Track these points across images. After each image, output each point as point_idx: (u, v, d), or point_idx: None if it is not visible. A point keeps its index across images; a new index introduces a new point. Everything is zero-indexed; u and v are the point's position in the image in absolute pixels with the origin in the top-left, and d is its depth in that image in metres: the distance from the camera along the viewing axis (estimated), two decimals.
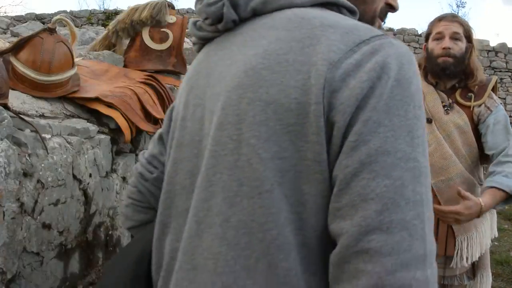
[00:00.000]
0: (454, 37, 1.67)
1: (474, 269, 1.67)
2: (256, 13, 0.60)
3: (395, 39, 0.53)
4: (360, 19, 0.59)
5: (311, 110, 0.50)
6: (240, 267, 0.52)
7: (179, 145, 0.64)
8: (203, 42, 0.68)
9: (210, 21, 0.63)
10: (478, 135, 1.65)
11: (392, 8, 0.69)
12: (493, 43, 9.95)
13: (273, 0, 0.58)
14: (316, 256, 0.51)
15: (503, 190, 1.47)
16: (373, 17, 0.67)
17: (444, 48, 1.65)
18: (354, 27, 0.54)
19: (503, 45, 9.89)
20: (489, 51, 9.85)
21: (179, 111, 0.67)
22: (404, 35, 10.07)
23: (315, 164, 0.50)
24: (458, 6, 18.38)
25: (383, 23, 0.71)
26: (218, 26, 0.62)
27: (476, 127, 1.65)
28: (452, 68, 1.65)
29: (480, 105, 1.65)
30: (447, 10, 17.44)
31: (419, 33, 10.03)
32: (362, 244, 0.46)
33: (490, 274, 1.71)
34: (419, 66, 1.85)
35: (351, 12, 0.60)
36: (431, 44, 1.72)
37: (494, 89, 1.74)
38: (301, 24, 0.55)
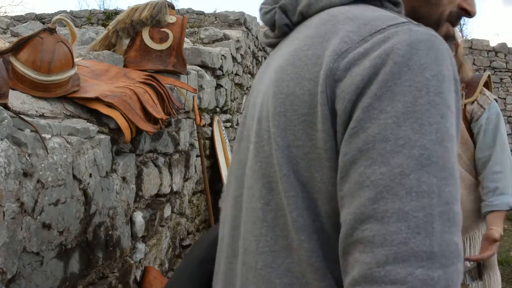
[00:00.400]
0: None
1: (480, 269, 1.64)
2: (304, 17, 0.62)
3: (421, 27, 0.50)
4: (423, 22, 0.57)
5: (318, 99, 0.51)
6: (280, 247, 0.55)
7: (238, 140, 0.70)
8: (272, 49, 0.73)
9: (269, 28, 0.69)
10: (473, 133, 1.63)
11: (468, 13, 0.66)
12: (493, 43, 9.95)
13: (315, 2, 0.60)
14: (336, 244, 0.51)
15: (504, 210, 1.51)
16: (439, 21, 0.65)
17: None
18: (376, 17, 0.53)
19: (503, 45, 9.89)
20: (489, 51, 9.84)
21: (244, 111, 0.74)
22: None
23: (323, 152, 0.51)
24: None
25: (456, 28, 0.68)
26: (276, 32, 0.67)
27: (470, 125, 1.63)
28: None
29: (472, 103, 1.63)
30: None
31: None
32: (357, 233, 0.45)
33: (499, 273, 1.68)
34: None
35: (395, 4, 0.59)
36: None
37: (489, 86, 1.71)
38: (328, 21, 0.56)
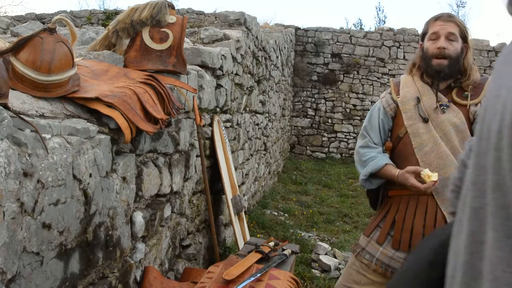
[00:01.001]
0: (450, 38, 1.67)
1: None
2: None
3: None
4: None
5: None
6: None
7: (478, 138, 0.57)
8: None
9: None
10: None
11: None
12: (493, 43, 9.96)
13: None
14: None
15: None
16: None
17: (439, 48, 1.65)
18: None
19: (503, 45, 9.89)
20: (489, 51, 9.85)
21: (484, 102, 0.60)
22: (404, 35, 10.07)
23: None
24: (458, 6, 18.37)
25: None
26: None
27: (472, 126, 1.66)
28: (447, 70, 1.65)
29: (476, 104, 1.66)
30: (447, 10, 17.41)
31: (419, 33, 10.03)
32: None
33: None
34: (414, 65, 1.86)
35: None
36: (427, 44, 1.73)
37: None
38: None
